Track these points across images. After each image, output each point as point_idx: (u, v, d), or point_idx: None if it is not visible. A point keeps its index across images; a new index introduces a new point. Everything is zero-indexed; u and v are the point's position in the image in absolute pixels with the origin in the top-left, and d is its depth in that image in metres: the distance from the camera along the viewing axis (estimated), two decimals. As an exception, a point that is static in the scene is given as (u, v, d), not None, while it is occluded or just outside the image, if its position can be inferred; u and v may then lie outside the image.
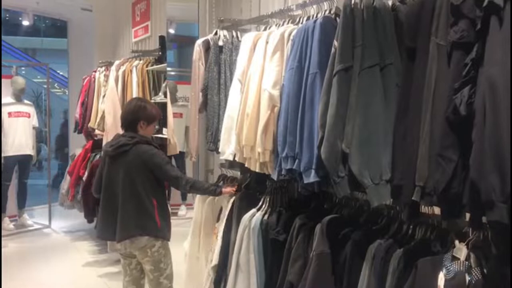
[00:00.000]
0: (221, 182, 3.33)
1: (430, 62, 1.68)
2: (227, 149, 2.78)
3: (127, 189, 2.87)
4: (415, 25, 1.77)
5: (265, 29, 2.88)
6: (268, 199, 2.68)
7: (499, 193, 1.34)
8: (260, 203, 2.70)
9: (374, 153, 1.89)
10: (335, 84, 1.94)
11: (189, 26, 4.89)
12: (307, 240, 2.31)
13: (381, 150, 1.89)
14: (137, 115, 2.99)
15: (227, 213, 2.98)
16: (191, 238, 3.15)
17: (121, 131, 4.45)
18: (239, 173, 3.40)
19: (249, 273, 2.54)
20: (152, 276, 2.97)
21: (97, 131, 5.20)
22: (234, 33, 3.14)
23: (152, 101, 4.38)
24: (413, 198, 1.68)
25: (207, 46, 3.11)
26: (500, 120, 1.36)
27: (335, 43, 1.99)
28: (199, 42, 3.12)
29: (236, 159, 2.73)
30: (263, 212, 2.64)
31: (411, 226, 2.01)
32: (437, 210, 1.85)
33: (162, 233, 2.92)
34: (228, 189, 3.01)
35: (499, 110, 1.36)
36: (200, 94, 3.05)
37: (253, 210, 2.68)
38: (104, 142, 4.74)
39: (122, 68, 4.68)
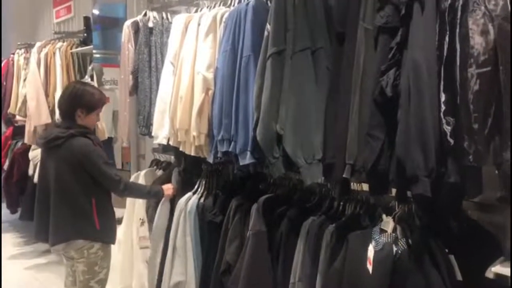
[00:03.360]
0: (155, 167, 3.29)
1: (359, 46, 1.76)
2: (161, 133, 2.75)
3: (60, 188, 2.54)
4: (344, 10, 1.84)
5: (196, 11, 2.86)
6: (203, 182, 2.70)
7: (422, 168, 1.44)
8: (196, 187, 2.71)
9: (307, 133, 1.96)
10: (269, 67, 1.98)
11: (112, 6, 4.70)
12: (243, 220, 2.36)
13: (313, 130, 1.96)
14: (74, 102, 2.58)
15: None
16: (125, 226, 3.10)
17: (44, 117, 4.32)
18: (172, 157, 3.39)
19: (186, 256, 2.55)
20: (82, 277, 2.63)
21: (18, 117, 4.93)
22: (164, 15, 3.09)
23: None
24: (343, 175, 1.76)
25: (136, 27, 3.04)
26: (423, 100, 1.46)
27: (268, 26, 2.03)
28: (127, 23, 3.04)
29: (170, 143, 2.71)
30: (199, 195, 2.65)
31: (341, 203, 2.11)
32: (365, 187, 1.97)
33: (101, 235, 2.59)
34: (171, 191, 2.81)
35: (422, 91, 1.46)
36: (131, 76, 2.98)
37: (189, 193, 2.69)
38: (27, 129, 4.51)
39: (44, 51, 4.45)
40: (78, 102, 2.58)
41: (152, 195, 2.79)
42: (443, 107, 1.49)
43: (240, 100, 2.25)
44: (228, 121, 2.29)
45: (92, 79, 3.93)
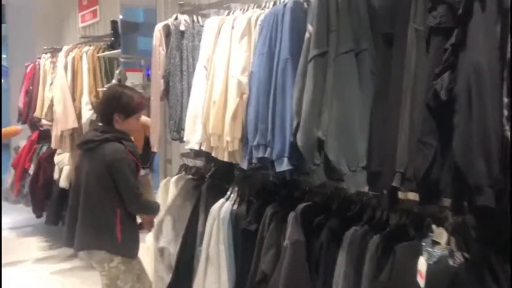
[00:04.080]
0: (183, 172, 3.23)
1: (409, 48, 1.67)
2: (193, 138, 2.69)
3: (88, 193, 2.46)
4: (392, 10, 1.75)
5: (228, 14, 2.80)
6: (236, 188, 2.62)
7: (486, 177, 1.35)
8: (229, 193, 2.64)
9: (350, 140, 1.87)
10: (311, 70, 1.90)
11: (133, 11, 4.69)
12: (279, 229, 2.27)
13: (358, 136, 1.88)
14: (111, 106, 2.48)
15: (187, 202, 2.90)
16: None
17: (71, 121, 4.30)
18: (199, 162, 3.33)
19: (219, 265, 2.48)
20: None
21: (44, 121, 4.93)
22: (194, 18, 3.03)
23: (105, 89, 4.19)
24: (393, 184, 1.67)
25: (167, 31, 2.98)
26: (486, 105, 1.37)
27: (310, 28, 1.95)
28: (159, 27, 2.99)
29: (203, 148, 2.65)
30: (232, 202, 2.58)
31: (384, 212, 2.02)
32: (410, 196, 1.87)
33: (122, 250, 2.47)
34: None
35: (485, 95, 1.37)
36: (162, 81, 2.93)
37: (222, 200, 2.62)
38: (53, 133, 4.51)
39: (71, 55, 4.44)
40: (116, 105, 2.48)
41: (155, 213, 2.75)
42: (506, 112, 1.39)
43: (277, 104, 2.18)
44: (264, 126, 2.22)
45: (119, 83, 3.90)
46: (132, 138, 2.63)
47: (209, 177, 2.95)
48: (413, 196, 1.86)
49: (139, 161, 2.45)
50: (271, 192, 2.51)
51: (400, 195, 1.90)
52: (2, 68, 9.27)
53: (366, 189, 1.92)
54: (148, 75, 4.01)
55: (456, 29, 1.52)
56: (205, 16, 3.16)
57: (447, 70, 1.53)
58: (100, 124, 2.65)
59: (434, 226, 1.72)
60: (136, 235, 2.57)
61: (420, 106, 1.62)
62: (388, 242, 1.85)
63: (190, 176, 3.09)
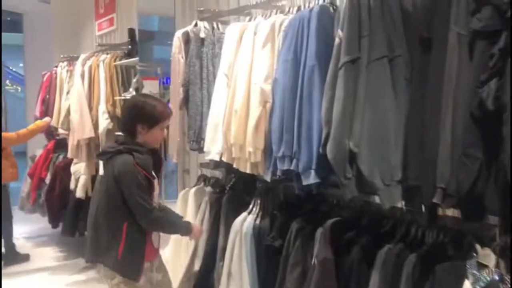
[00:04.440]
0: (202, 183, 3.13)
1: (450, 54, 1.56)
2: (213, 148, 2.59)
3: (100, 206, 2.38)
4: (430, 13, 1.64)
5: (249, 20, 2.71)
6: (258, 201, 2.51)
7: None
8: (251, 206, 2.52)
9: (384, 151, 1.76)
10: (342, 77, 1.79)
11: (150, 19, 4.64)
12: (305, 245, 2.16)
13: (392, 148, 1.76)
14: (134, 117, 2.32)
15: (207, 215, 2.81)
16: (173, 244, 2.94)
17: (88, 130, 4.23)
18: (218, 173, 3.23)
19: (241, 281, 2.37)
20: None
21: (60, 130, 4.87)
22: (214, 25, 2.95)
23: (122, 97, 4.12)
24: (434, 200, 1.55)
25: (186, 38, 2.90)
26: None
27: (340, 33, 1.84)
28: (178, 34, 2.90)
29: (223, 159, 2.55)
30: (255, 216, 2.47)
31: (420, 229, 1.89)
32: (449, 211, 1.75)
33: (122, 268, 2.29)
34: (198, 235, 2.57)
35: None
36: (181, 89, 2.83)
37: (244, 214, 2.50)
38: (70, 142, 4.45)
39: (88, 63, 4.38)
40: (139, 116, 2.31)
41: (182, 232, 2.47)
42: None
43: (303, 113, 2.07)
44: (289, 137, 2.11)
45: (137, 92, 3.82)
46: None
47: (229, 189, 2.84)
48: (451, 211, 1.74)
49: (150, 173, 2.32)
50: (295, 206, 2.39)
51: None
52: (19, 76, 9.31)
53: (400, 204, 1.80)
54: (164, 83, 3.95)
55: (503, 33, 1.40)
56: (224, 23, 3.08)
57: (494, 77, 1.41)
58: (120, 134, 2.52)
59: (478, 246, 1.59)
60: (140, 257, 2.32)
61: (463, 116, 1.51)
62: (426, 262, 1.72)
63: (209, 188, 2.99)
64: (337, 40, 1.85)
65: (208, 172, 3.28)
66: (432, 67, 1.61)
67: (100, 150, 2.50)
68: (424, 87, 1.64)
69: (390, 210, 2.03)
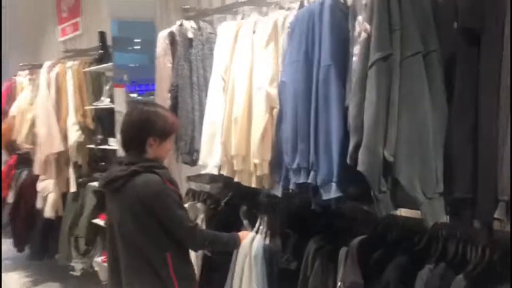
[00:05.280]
0: (191, 198, 2.85)
1: (506, 46, 1.35)
2: (211, 161, 2.32)
3: (127, 241, 1.95)
4: (478, 1, 1.43)
5: (242, 18, 2.47)
6: (265, 218, 2.25)
7: None
8: (258, 224, 2.26)
9: (424, 160, 1.54)
10: (373, 77, 1.56)
11: (123, 24, 4.32)
12: (326, 267, 1.92)
13: (432, 156, 1.55)
14: (144, 130, 1.96)
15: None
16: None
17: (57, 144, 3.86)
18: (208, 186, 2.96)
19: (252, 310, 2.10)
20: None
21: (24, 145, 4.47)
22: (201, 24, 2.68)
23: (94, 107, 3.78)
24: (496, 216, 1.34)
25: (171, 39, 2.62)
26: None
27: (367, 26, 1.61)
28: (163, 34, 2.62)
29: (223, 172, 2.29)
30: (263, 235, 2.21)
31: (460, 245, 1.68)
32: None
33: None
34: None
35: None
36: (168, 96, 2.55)
37: (252, 233, 2.24)
38: (37, 157, 4.06)
39: (55, 70, 4.01)
40: (151, 128, 1.96)
41: (230, 246, 2.17)
42: None
43: (319, 119, 1.84)
44: (305, 147, 1.88)
45: (112, 100, 3.50)
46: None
47: (225, 205, 2.58)
48: (498, 225, 1.53)
49: (179, 190, 2.01)
50: (306, 223, 2.15)
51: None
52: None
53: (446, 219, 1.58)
54: (130, 90, 3.62)
55: None
56: (208, 23, 2.80)
57: None
58: (122, 155, 2.12)
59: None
60: (193, 279, 2.08)
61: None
62: (476, 285, 1.51)
63: (200, 204, 2.71)
64: (363, 35, 1.62)
65: (196, 186, 3.00)
66: (483, 63, 1.41)
67: (105, 178, 2.04)
68: (473, 86, 1.43)
69: (420, 224, 1.83)
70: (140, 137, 1.96)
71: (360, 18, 1.72)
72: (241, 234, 2.19)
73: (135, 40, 3.59)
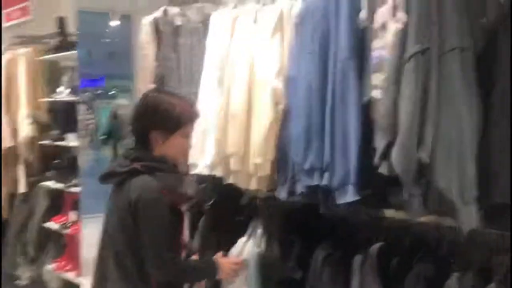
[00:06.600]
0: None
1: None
2: (202, 160, 2.12)
3: (115, 247, 1.67)
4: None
5: (235, 7, 2.29)
6: (259, 224, 2.08)
7: None
8: (251, 230, 2.09)
9: (461, 162, 1.44)
10: (411, 71, 1.44)
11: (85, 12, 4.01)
12: (334, 277, 1.78)
13: (468, 158, 1.45)
14: (145, 121, 1.68)
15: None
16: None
17: (8, 139, 3.49)
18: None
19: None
20: None
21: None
22: (188, 12, 2.47)
23: (51, 99, 3.45)
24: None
25: (155, 27, 2.39)
26: None
27: (402, 16, 1.50)
28: (146, 21, 2.39)
29: (216, 173, 2.10)
30: (258, 241, 2.04)
31: (485, 252, 1.61)
32: None
33: None
34: (231, 274, 1.86)
35: None
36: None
37: (242, 240, 2.06)
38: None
39: (4, 58, 3.63)
40: (151, 119, 1.66)
41: (206, 273, 1.85)
42: None
43: (336, 117, 1.71)
44: (318, 145, 1.73)
45: (73, 91, 3.20)
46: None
47: (210, 209, 2.38)
48: None
49: (183, 199, 1.74)
50: (311, 228, 2.00)
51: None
52: None
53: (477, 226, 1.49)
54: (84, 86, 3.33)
55: None
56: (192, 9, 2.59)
57: None
58: (130, 148, 1.76)
59: None
60: None
61: None
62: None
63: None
64: (397, 25, 1.51)
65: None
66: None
67: (106, 170, 1.74)
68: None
69: (437, 229, 1.75)
70: (141, 130, 1.68)
71: (383, 9, 1.61)
72: (218, 260, 1.83)
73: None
